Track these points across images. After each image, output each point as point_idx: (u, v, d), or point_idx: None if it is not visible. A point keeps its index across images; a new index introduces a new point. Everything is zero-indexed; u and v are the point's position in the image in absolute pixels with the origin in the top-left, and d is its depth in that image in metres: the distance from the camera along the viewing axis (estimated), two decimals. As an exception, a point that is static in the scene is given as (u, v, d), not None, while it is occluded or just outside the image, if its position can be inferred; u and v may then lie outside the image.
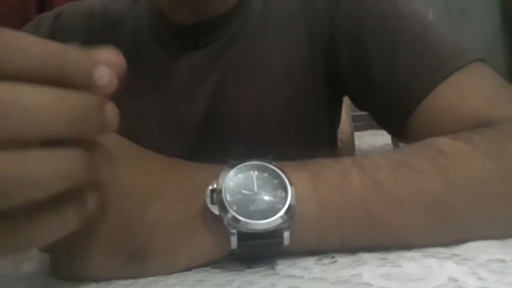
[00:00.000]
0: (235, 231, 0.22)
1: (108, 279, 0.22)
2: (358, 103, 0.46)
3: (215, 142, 0.44)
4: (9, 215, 0.16)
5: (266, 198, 0.23)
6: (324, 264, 0.23)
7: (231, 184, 0.23)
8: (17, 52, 0.16)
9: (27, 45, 0.17)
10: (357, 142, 0.88)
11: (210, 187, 0.23)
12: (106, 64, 0.19)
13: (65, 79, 0.17)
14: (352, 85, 0.43)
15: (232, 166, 0.24)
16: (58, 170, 0.17)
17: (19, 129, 0.16)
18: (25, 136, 0.16)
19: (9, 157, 0.15)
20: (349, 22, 0.41)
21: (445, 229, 0.25)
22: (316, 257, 0.24)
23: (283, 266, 0.23)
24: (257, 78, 0.44)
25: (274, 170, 0.24)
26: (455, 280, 0.19)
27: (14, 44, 0.16)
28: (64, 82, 0.17)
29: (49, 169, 0.16)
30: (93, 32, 0.48)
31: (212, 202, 0.23)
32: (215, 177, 0.23)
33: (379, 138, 1.28)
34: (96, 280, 0.22)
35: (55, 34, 0.48)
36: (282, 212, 0.22)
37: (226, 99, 0.44)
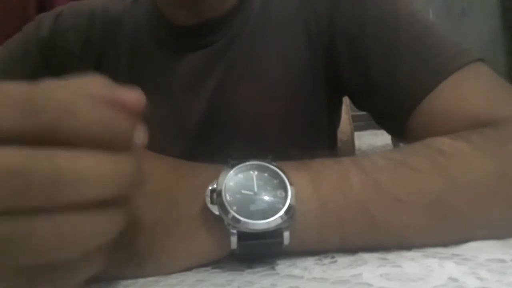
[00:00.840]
0: (235, 231, 0.22)
1: (108, 279, 0.22)
2: (358, 103, 0.46)
3: (215, 142, 0.44)
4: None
5: (266, 198, 0.23)
6: (324, 264, 0.23)
7: (231, 184, 0.23)
8: (77, 117, 0.16)
9: (86, 112, 0.17)
10: (357, 142, 0.88)
11: (210, 187, 0.23)
12: (132, 105, 0.19)
13: (112, 144, 0.17)
14: (351, 85, 0.43)
15: (232, 166, 0.24)
16: (104, 230, 0.18)
17: (75, 196, 0.16)
18: (80, 201, 0.16)
19: (65, 220, 0.16)
20: (349, 23, 0.41)
21: (445, 229, 0.25)
22: (316, 257, 0.24)
23: (283, 266, 0.23)
24: (257, 78, 0.44)
25: (274, 170, 0.24)
26: (455, 280, 0.19)
27: (74, 109, 0.16)
28: (110, 145, 0.17)
29: (99, 229, 0.17)
30: (94, 32, 0.48)
31: (212, 202, 0.23)
32: (215, 177, 0.23)
33: (379, 138, 1.28)
34: (97, 280, 0.22)
35: (56, 34, 0.48)
36: (282, 212, 0.22)
37: (226, 100, 0.44)
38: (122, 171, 0.18)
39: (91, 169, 0.16)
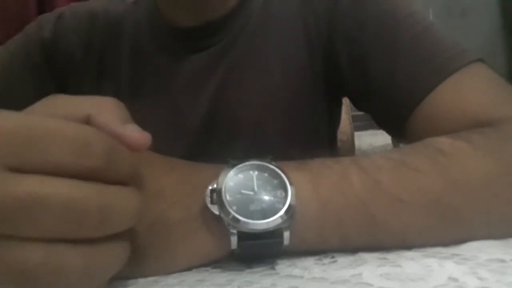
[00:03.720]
0: (235, 231, 0.22)
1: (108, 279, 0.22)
2: (357, 104, 0.45)
3: (216, 143, 0.44)
4: None
5: (266, 198, 0.23)
6: (324, 264, 0.23)
7: (231, 184, 0.23)
8: (88, 153, 0.17)
9: (96, 146, 0.17)
10: (357, 142, 0.88)
11: (210, 187, 0.23)
12: (135, 143, 0.20)
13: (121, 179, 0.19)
14: (351, 86, 0.43)
15: (232, 166, 0.24)
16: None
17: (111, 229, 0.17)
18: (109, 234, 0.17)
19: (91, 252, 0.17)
20: (348, 23, 0.41)
21: (445, 229, 0.25)
22: (316, 257, 0.24)
23: (283, 266, 0.23)
24: (257, 79, 0.44)
25: (274, 170, 0.24)
26: (455, 280, 0.19)
27: (86, 142, 0.17)
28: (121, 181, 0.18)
29: None
30: (95, 33, 0.48)
31: (212, 202, 0.23)
32: (215, 177, 0.23)
33: (379, 138, 1.28)
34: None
35: (57, 35, 0.48)
36: (282, 212, 0.22)
37: (227, 101, 0.44)
38: (139, 205, 0.19)
39: (123, 204, 0.18)
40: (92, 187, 0.17)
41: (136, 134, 0.20)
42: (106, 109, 0.21)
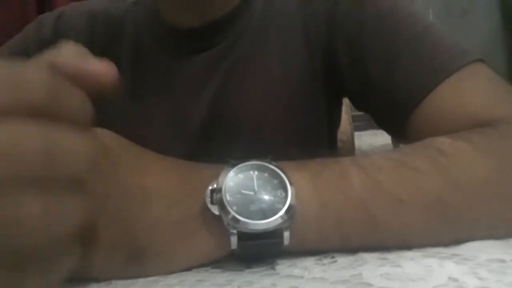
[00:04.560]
0: (235, 231, 0.22)
1: (108, 279, 0.22)
2: (357, 104, 0.46)
3: (217, 144, 0.44)
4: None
5: (266, 198, 0.23)
6: (324, 264, 0.23)
7: (231, 184, 0.23)
8: (27, 87, 0.16)
9: (35, 80, 0.16)
10: (357, 142, 0.88)
11: (210, 187, 0.23)
12: (100, 75, 0.19)
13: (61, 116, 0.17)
14: (351, 86, 0.43)
15: (232, 166, 0.24)
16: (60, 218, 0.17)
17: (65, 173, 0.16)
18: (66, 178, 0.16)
19: (50, 200, 0.16)
20: (348, 23, 0.41)
21: (445, 229, 0.25)
22: (316, 257, 0.24)
23: (283, 266, 0.23)
24: (258, 80, 0.44)
25: (274, 170, 0.24)
26: (455, 280, 0.19)
27: (23, 77, 0.16)
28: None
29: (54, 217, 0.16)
30: (96, 34, 0.48)
31: (212, 202, 0.23)
32: (215, 177, 0.23)
33: (379, 138, 1.28)
34: (96, 280, 0.22)
35: (57, 34, 0.48)
36: (282, 212, 0.22)
37: (228, 101, 0.44)
38: (90, 148, 0.17)
39: (69, 147, 0.16)
40: (35, 124, 0.15)
41: (100, 66, 0.20)
42: (63, 49, 0.21)
